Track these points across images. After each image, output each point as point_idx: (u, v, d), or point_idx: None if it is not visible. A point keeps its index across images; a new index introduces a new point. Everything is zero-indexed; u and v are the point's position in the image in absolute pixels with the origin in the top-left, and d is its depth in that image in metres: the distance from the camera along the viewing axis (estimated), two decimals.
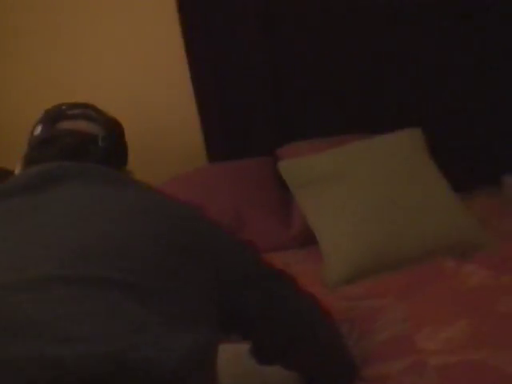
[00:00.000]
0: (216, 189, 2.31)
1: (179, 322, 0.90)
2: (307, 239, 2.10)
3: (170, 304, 0.92)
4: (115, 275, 0.90)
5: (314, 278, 1.89)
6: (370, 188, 1.97)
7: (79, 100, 1.49)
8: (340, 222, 1.94)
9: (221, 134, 3.06)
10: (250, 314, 1.15)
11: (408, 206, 1.93)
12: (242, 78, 2.95)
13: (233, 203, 2.24)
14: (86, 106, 1.31)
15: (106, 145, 1.24)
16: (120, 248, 0.95)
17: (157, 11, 2.96)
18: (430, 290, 1.70)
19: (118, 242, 0.96)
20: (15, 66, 3.11)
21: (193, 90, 2.98)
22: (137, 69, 3.06)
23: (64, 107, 1.28)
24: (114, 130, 1.30)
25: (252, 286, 1.15)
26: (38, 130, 1.24)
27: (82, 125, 1.25)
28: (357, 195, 1.97)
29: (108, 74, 3.10)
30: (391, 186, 1.97)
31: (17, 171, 1.24)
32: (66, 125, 1.24)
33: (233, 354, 1.42)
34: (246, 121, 3.00)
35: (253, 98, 2.99)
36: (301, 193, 2.07)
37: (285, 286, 1.22)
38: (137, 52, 3.06)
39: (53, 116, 1.25)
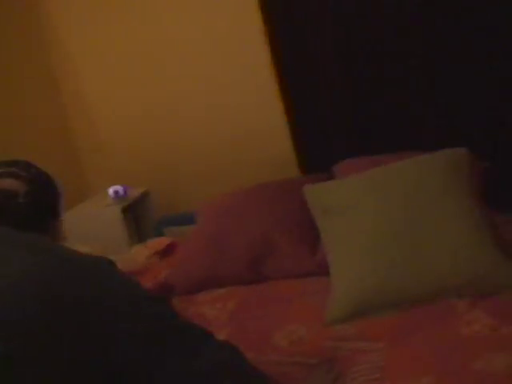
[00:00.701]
0: (250, 210, 2.29)
1: None
2: None
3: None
4: None
5: (318, 312, 1.80)
6: (386, 217, 1.84)
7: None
8: (348, 254, 1.84)
9: (310, 144, 3.09)
10: (147, 369, 1.14)
11: (424, 238, 1.77)
12: (322, 88, 2.95)
13: (264, 225, 2.20)
14: (13, 163, 1.36)
15: (28, 200, 1.30)
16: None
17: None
18: (421, 335, 1.57)
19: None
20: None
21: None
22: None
23: None
24: (39, 185, 1.35)
25: (149, 341, 1.14)
26: None
27: (5, 183, 1.31)
28: (370, 225, 1.85)
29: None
30: (410, 214, 1.82)
31: None
32: None
33: None
34: (329, 131, 3.01)
35: (333, 110, 2.99)
36: (321, 219, 1.99)
37: (196, 342, 1.18)
38: (227, 63, 3.15)
39: None
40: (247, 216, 2.27)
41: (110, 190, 3.27)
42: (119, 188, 3.28)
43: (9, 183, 1.32)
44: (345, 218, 1.91)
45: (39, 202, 1.34)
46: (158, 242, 2.68)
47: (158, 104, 3.36)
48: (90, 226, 3.29)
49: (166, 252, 2.59)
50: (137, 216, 3.61)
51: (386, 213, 1.85)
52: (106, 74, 3.41)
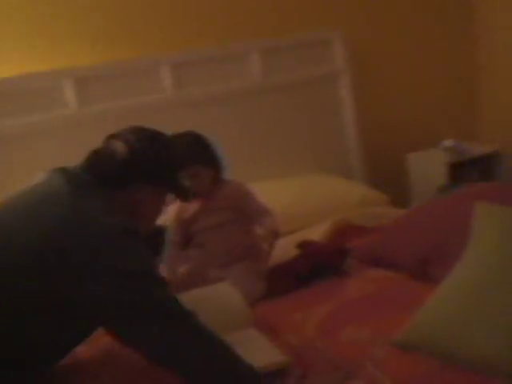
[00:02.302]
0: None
1: None
2: None
3: None
4: None
5: None
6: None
7: None
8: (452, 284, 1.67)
9: None
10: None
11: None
12: None
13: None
14: (134, 129, 1.66)
15: (120, 161, 1.58)
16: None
17: None
18: None
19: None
20: None
21: None
22: None
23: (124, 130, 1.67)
24: (141, 154, 1.59)
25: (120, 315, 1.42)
26: None
27: (114, 144, 1.62)
28: (480, 265, 1.65)
29: None
30: None
31: None
32: (110, 143, 1.64)
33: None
34: None
35: None
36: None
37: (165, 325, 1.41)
38: None
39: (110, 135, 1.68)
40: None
41: (445, 142, 3.27)
42: (454, 142, 3.25)
43: (116, 145, 1.61)
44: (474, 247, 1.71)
45: (132, 166, 1.58)
46: None
47: None
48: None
49: None
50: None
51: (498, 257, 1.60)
52: None
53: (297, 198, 2.83)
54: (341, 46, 3.30)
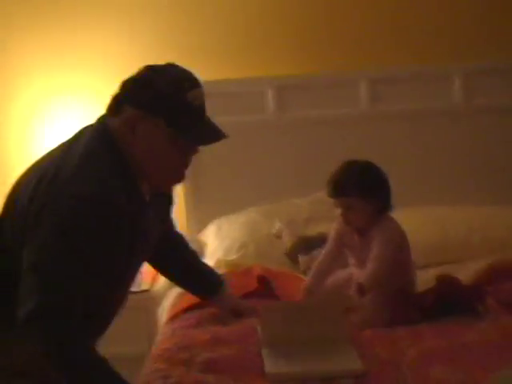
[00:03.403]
0: None
1: None
2: None
3: None
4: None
5: None
6: None
7: None
8: None
9: None
10: None
11: None
12: None
13: None
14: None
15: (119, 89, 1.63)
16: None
17: None
18: None
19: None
20: None
21: None
22: None
23: None
24: (132, 76, 1.62)
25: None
26: None
27: None
28: None
29: None
30: None
31: None
32: None
33: None
34: None
35: None
36: None
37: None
38: None
39: None
40: None
41: None
42: None
43: None
44: None
45: (122, 88, 1.62)
46: None
47: None
48: None
49: None
50: None
51: None
52: None
53: (468, 227, 2.74)
54: None
